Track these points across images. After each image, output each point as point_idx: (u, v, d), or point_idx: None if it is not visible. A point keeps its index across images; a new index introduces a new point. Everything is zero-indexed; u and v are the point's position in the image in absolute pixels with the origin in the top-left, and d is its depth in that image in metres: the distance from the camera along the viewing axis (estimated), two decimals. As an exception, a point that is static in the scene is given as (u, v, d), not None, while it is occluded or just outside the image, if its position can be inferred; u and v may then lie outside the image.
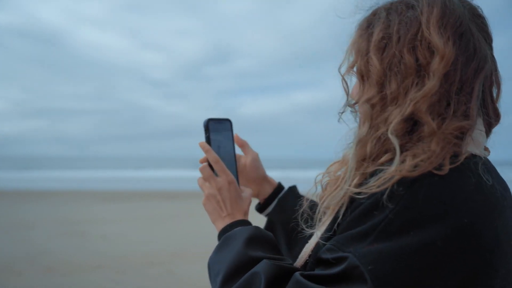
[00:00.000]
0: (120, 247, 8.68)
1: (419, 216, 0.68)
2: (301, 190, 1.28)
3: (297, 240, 1.12)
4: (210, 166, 1.03)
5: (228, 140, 1.08)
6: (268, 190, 1.22)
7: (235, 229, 0.94)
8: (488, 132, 0.87)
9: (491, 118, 0.86)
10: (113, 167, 53.00)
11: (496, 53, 0.86)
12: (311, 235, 0.91)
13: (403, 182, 0.70)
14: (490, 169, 0.78)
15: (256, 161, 1.22)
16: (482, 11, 0.85)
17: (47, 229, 10.13)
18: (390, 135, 0.75)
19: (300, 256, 0.89)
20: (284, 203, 1.23)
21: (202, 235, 10.03)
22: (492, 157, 0.87)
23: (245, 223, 0.99)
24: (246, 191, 1.08)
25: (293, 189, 1.27)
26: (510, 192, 0.82)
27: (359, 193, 0.75)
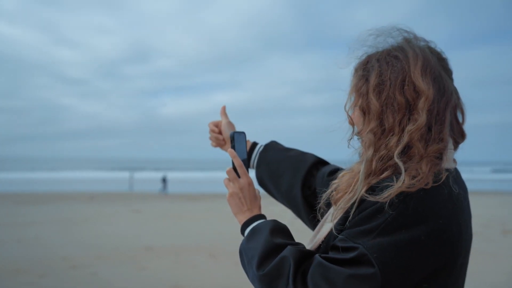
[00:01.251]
0: (38, 250, 8.39)
1: (409, 220, 0.94)
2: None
3: (281, 181, 1.55)
4: (234, 169, 1.25)
5: (244, 148, 1.33)
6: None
7: (259, 222, 1.18)
8: (455, 148, 1.13)
9: (458, 137, 1.12)
10: (24, 169, 49.82)
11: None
12: (318, 221, 1.24)
13: (399, 195, 0.95)
14: (456, 177, 1.06)
15: (230, 123, 1.53)
16: (444, 54, 1.13)
17: (-46, 233, 9.47)
18: (396, 160, 1.00)
19: (314, 241, 1.15)
20: (264, 156, 1.56)
21: (125, 238, 9.94)
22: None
23: (264, 217, 1.22)
24: (258, 191, 1.30)
25: (270, 144, 1.60)
26: (467, 191, 1.11)
27: (368, 199, 0.99)
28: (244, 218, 1.22)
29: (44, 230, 10.65)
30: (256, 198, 1.25)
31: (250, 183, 1.25)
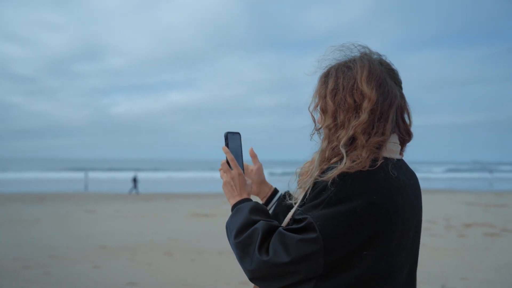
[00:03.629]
0: (-12, 252, 8.18)
1: (347, 195, 1.16)
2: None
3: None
4: (228, 163, 1.49)
5: (239, 147, 1.56)
6: (266, 190, 1.72)
7: (243, 203, 1.39)
8: (402, 144, 1.36)
9: (404, 135, 1.35)
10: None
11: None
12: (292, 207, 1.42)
13: (340, 175, 1.18)
14: (398, 167, 1.27)
15: (260, 169, 1.72)
16: (393, 65, 1.36)
17: None
18: (341, 148, 1.23)
19: (285, 219, 1.35)
20: (281, 201, 1.69)
21: (79, 237, 9.82)
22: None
23: (249, 200, 1.44)
24: (249, 181, 1.54)
25: (287, 192, 1.71)
26: (414, 181, 1.34)
27: (318, 180, 1.22)
28: (234, 201, 1.45)
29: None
30: (245, 185, 1.48)
31: (240, 174, 1.48)
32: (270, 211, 1.68)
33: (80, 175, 38.25)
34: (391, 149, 1.29)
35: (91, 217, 13.53)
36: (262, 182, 1.72)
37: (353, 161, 1.20)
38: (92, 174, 38.97)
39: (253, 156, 1.71)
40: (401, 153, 1.37)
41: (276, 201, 1.71)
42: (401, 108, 1.33)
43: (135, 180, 25.75)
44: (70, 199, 19.36)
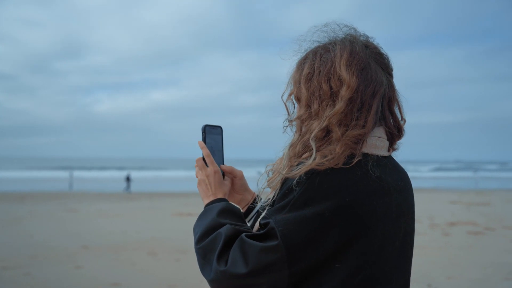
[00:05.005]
0: (-34, 252, 7.96)
1: (314, 196, 0.99)
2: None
3: None
4: (204, 159, 1.33)
5: (219, 142, 1.40)
6: (248, 197, 1.49)
7: (214, 204, 1.23)
8: (392, 140, 1.18)
9: (392, 130, 1.17)
10: None
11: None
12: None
13: (307, 172, 1.01)
14: (382, 165, 1.10)
15: (241, 177, 1.48)
16: (382, 49, 1.18)
17: None
18: (310, 141, 1.07)
19: (256, 224, 1.16)
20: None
21: (60, 237, 9.64)
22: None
23: (223, 200, 1.26)
24: (227, 180, 1.38)
25: None
26: (404, 182, 1.16)
27: (286, 178, 1.07)
28: (207, 201, 1.29)
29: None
30: (221, 184, 1.32)
31: (216, 171, 1.32)
32: (250, 223, 1.45)
33: (64, 174, 37.71)
34: (373, 144, 1.11)
35: (73, 216, 13.28)
36: (245, 189, 1.50)
37: (325, 157, 1.03)
38: (77, 173, 38.49)
39: (229, 170, 1.44)
40: (389, 150, 1.19)
41: (257, 211, 1.47)
42: (389, 98, 1.16)
43: (128, 179, 25.50)
44: (52, 198, 19.03)
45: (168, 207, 15.90)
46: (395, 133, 1.19)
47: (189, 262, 7.40)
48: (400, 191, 1.13)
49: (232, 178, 1.44)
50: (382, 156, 1.13)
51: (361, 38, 1.17)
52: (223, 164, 1.40)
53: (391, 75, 1.19)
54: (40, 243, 9.00)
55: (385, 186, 1.07)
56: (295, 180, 1.03)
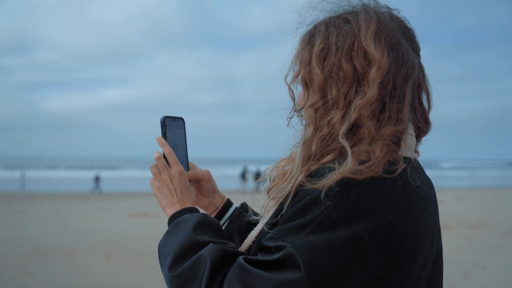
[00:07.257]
0: None
1: (349, 213, 0.76)
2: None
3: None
4: (165, 158, 1.10)
5: (181, 136, 1.19)
6: (218, 201, 1.27)
7: (185, 215, 0.99)
8: (418, 137, 0.96)
9: (421, 123, 0.95)
10: None
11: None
12: (256, 223, 1.01)
13: (340, 182, 0.78)
14: (418, 170, 0.89)
15: (208, 179, 1.24)
16: (409, 23, 0.96)
17: None
18: (341, 140, 0.82)
19: (245, 241, 0.98)
20: (237, 216, 1.26)
21: (7, 241, 9.22)
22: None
23: (194, 210, 1.04)
24: (193, 183, 1.17)
25: (244, 204, 1.30)
26: (434, 189, 0.96)
27: (304, 188, 0.81)
28: (173, 211, 1.04)
29: None
30: (188, 189, 1.09)
31: (182, 173, 1.08)
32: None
33: (15, 173, 36.20)
34: (409, 145, 0.90)
35: (22, 218, 12.72)
36: (214, 191, 1.26)
37: (362, 162, 0.80)
38: (28, 173, 37.05)
39: (194, 174, 1.23)
40: (416, 150, 0.97)
41: (230, 216, 1.25)
42: (419, 84, 0.94)
43: (97, 179, 24.84)
44: (0, 199, 18.20)
45: (122, 208, 15.55)
46: (422, 127, 0.97)
47: (146, 265, 7.18)
48: (434, 202, 0.94)
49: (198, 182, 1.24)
50: (414, 159, 0.92)
51: (383, 9, 0.95)
52: (188, 162, 1.20)
53: (419, 56, 0.98)
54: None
55: (424, 197, 0.87)
56: (323, 191, 0.78)
